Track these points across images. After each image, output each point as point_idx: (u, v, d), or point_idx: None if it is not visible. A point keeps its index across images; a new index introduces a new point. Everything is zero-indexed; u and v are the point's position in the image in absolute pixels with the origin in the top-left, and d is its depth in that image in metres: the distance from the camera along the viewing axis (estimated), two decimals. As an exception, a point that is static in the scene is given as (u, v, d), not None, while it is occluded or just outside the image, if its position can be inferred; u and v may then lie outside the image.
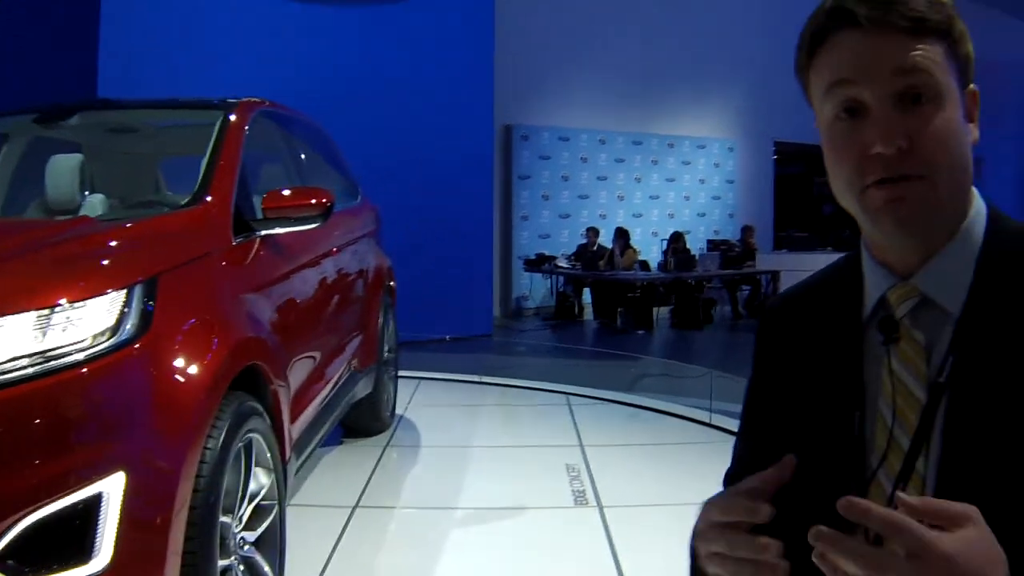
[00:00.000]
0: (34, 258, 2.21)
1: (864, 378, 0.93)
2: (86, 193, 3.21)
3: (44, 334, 1.97)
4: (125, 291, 2.13)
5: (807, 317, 1.01)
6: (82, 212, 3.07)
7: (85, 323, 2.03)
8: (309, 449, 3.41)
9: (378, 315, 4.77)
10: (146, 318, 2.14)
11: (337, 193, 4.54)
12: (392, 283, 5.26)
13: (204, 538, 2.16)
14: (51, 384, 1.94)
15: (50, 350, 1.96)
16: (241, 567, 2.43)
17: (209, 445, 2.21)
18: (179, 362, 2.19)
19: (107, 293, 2.09)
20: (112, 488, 1.95)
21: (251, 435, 2.48)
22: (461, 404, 6.07)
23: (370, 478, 4.23)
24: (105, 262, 2.24)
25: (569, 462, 4.45)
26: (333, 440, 4.84)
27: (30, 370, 1.92)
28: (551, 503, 3.89)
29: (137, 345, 2.09)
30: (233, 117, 3.30)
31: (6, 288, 2.02)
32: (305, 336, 3.36)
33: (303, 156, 4.12)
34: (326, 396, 3.73)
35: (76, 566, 1.91)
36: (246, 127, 3.29)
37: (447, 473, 4.38)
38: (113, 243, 2.40)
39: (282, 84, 8.13)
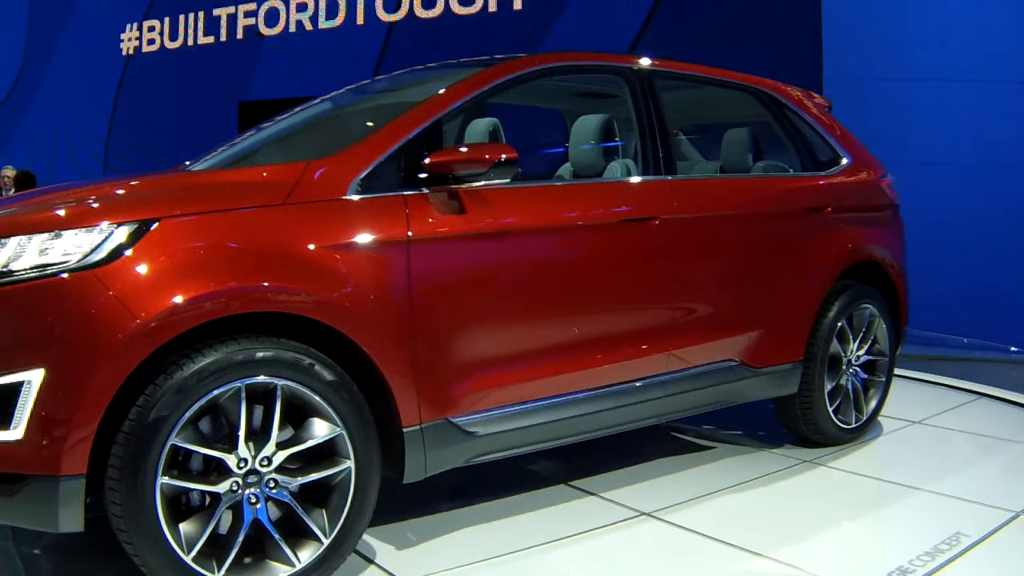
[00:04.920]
0: (70, 198, 2.68)
1: None
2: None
3: (44, 252, 2.46)
4: (106, 228, 2.46)
5: None
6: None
7: (70, 247, 2.45)
8: (528, 443, 3.21)
9: (813, 304, 4.02)
10: (115, 253, 2.44)
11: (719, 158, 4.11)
12: (890, 271, 4.39)
13: (134, 449, 2.41)
14: (15, 290, 2.43)
15: (41, 264, 2.44)
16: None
17: (169, 374, 2.45)
18: (128, 294, 2.41)
19: (79, 228, 2.46)
20: (34, 379, 2.37)
21: (271, 381, 2.57)
22: (978, 433, 4.58)
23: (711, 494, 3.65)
24: (98, 205, 2.57)
25: (961, 530, 3.22)
26: (772, 441, 4.32)
27: (19, 275, 2.42)
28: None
29: (94, 272, 2.41)
30: (469, 76, 3.29)
31: (35, 218, 2.55)
32: (505, 307, 3.11)
33: (665, 116, 3.70)
34: (607, 383, 3.38)
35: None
36: (476, 90, 3.24)
37: (814, 519, 3.48)
38: (125, 191, 2.78)
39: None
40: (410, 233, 2.86)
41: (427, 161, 2.92)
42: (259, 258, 2.63)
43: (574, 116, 3.78)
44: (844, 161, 4.37)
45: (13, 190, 9.13)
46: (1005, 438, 4.46)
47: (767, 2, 8.36)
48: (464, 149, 2.95)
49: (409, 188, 2.92)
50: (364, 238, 2.79)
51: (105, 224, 2.47)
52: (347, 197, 2.82)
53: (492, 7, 9.93)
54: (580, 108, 4.02)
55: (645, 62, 3.82)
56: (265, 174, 2.93)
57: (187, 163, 3.80)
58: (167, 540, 2.46)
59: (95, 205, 2.58)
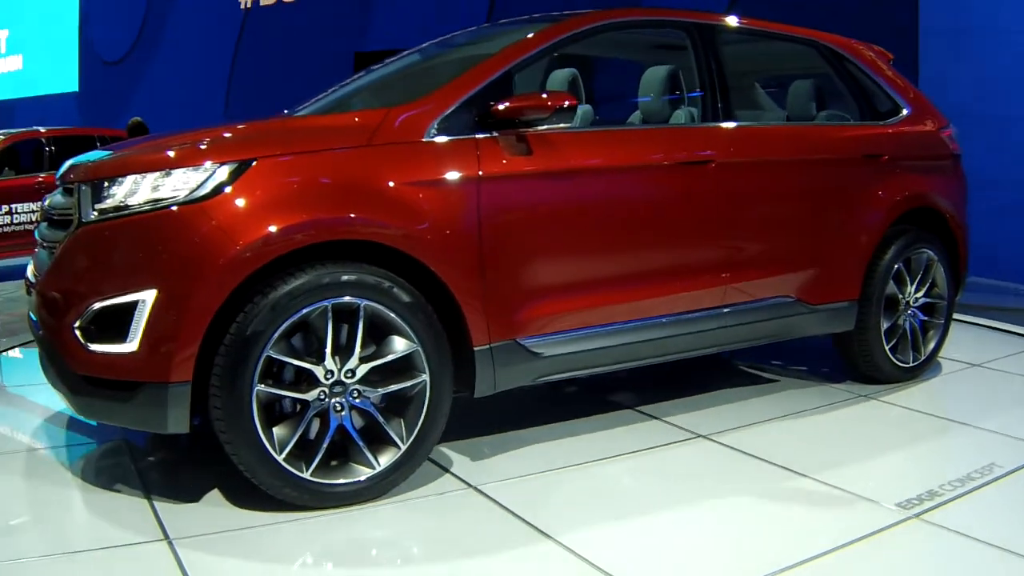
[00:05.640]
0: (180, 141, 3.03)
1: None
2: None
3: (156, 188, 2.84)
4: (209, 167, 2.82)
5: None
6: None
7: (178, 184, 2.82)
8: (591, 366, 3.49)
9: (867, 246, 4.19)
10: (218, 189, 2.79)
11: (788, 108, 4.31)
12: (949, 218, 4.53)
13: (234, 359, 2.77)
14: (131, 221, 2.81)
15: (154, 199, 2.82)
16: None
17: (265, 291, 2.80)
18: (228, 224, 2.76)
19: (187, 167, 2.82)
20: (147, 298, 2.75)
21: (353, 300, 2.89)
22: None
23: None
24: (203, 147, 2.92)
25: (996, 462, 3.39)
26: (834, 378, 4.51)
27: (135, 208, 2.82)
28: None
29: (200, 206, 2.77)
30: (529, 33, 3.57)
31: (149, 159, 2.93)
32: (567, 240, 3.38)
33: (725, 68, 3.92)
34: (665, 312, 3.63)
35: (118, 343, 2.78)
36: (542, 44, 3.51)
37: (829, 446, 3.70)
38: (227, 135, 3.11)
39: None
40: (480, 172, 3.14)
41: (496, 107, 3.19)
42: (344, 193, 2.95)
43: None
44: (904, 112, 4.49)
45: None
46: (1063, 383, 4.54)
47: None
48: (528, 96, 3.21)
49: (480, 132, 3.20)
50: (439, 176, 3.09)
51: (209, 164, 2.82)
52: (424, 139, 3.12)
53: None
54: (654, 59, 4.22)
55: (706, 18, 4.03)
56: (352, 119, 3.25)
57: (286, 111, 4.15)
58: (262, 441, 2.82)
59: (200, 147, 2.92)
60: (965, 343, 5.17)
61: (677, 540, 2.77)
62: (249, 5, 14.25)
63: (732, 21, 4.12)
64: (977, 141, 6.38)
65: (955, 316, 5.27)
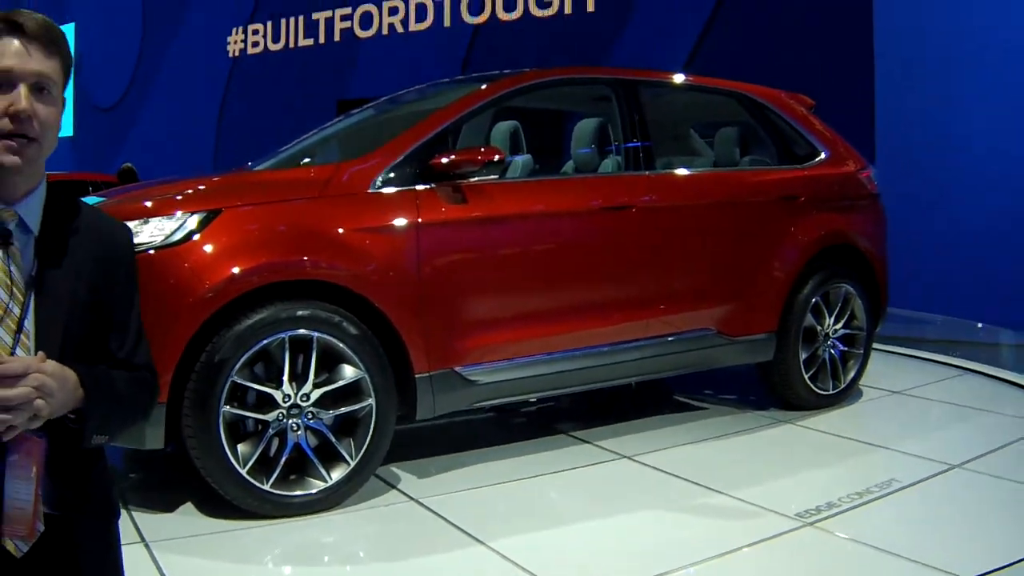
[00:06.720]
0: (158, 193, 3.47)
1: None
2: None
3: (136, 235, 3.22)
4: (181, 216, 3.23)
5: None
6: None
7: (155, 231, 3.23)
8: (523, 392, 3.91)
9: (785, 282, 4.59)
10: (189, 236, 3.21)
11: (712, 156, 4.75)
12: (868, 254, 4.94)
13: (203, 384, 3.17)
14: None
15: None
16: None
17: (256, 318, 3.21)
18: (197, 267, 3.18)
19: (162, 216, 3.24)
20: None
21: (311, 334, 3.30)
22: (954, 403, 5.02)
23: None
24: (175, 198, 3.35)
25: (895, 477, 3.76)
26: (760, 405, 4.86)
27: None
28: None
29: (173, 250, 3.18)
30: (464, 93, 4.02)
31: (129, 209, 3.35)
32: (499, 279, 3.79)
33: (646, 120, 4.34)
34: (591, 344, 4.01)
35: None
36: (475, 104, 3.96)
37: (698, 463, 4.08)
38: (198, 187, 3.54)
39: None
40: (420, 219, 3.56)
41: (431, 162, 3.63)
42: (299, 239, 3.37)
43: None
44: (821, 156, 4.92)
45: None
46: (980, 408, 4.91)
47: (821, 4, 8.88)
48: (461, 151, 3.65)
49: (419, 183, 3.63)
50: (383, 224, 3.52)
51: (180, 213, 3.24)
52: (370, 191, 3.55)
53: (568, 9, 10.89)
54: (592, 111, 4.64)
55: (629, 74, 4.49)
56: (307, 173, 3.69)
57: (250, 164, 4.58)
58: (228, 456, 3.21)
59: (173, 198, 3.35)
60: (887, 372, 5.57)
61: (590, 545, 3.16)
62: (237, 53, 14.83)
63: (655, 76, 4.57)
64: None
65: (884, 347, 5.70)
